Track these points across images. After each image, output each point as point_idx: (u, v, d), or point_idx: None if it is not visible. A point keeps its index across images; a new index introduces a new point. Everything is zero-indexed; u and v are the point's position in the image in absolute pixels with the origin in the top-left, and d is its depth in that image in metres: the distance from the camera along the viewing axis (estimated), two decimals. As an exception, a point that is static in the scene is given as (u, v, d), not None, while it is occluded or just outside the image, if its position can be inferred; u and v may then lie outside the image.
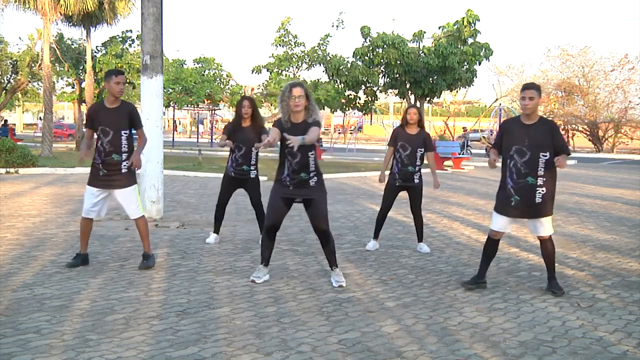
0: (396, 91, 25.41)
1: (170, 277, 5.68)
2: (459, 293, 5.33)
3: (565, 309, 4.92)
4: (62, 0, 22.08)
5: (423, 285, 5.57)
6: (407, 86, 24.50)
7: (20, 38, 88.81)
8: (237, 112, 7.11)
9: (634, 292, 5.45)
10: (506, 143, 5.27)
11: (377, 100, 27.28)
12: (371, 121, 62.01)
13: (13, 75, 31.07)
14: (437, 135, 28.26)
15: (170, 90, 27.26)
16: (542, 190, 5.16)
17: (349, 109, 27.52)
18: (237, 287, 5.35)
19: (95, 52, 28.27)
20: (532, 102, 5.14)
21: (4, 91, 31.17)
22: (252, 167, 7.09)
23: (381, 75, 24.76)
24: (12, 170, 15.95)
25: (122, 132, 5.79)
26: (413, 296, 5.21)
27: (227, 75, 29.12)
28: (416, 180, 6.92)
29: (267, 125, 6.48)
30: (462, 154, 25.36)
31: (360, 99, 25.96)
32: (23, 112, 67.18)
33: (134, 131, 5.93)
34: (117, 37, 29.04)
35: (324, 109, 27.60)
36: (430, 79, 23.87)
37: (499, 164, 5.41)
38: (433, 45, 23.98)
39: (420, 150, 6.87)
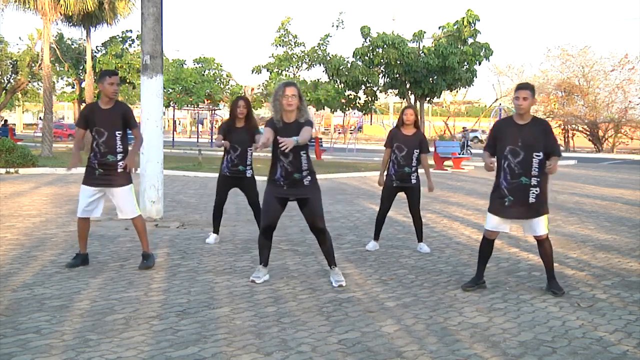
0: (396, 91, 25.44)
1: (170, 277, 5.68)
2: (459, 293, 5.32)
3: (565, 309, 4.92)
4: (62, 0, 22.09)
5: (423, 285, 5.57)
6: (407, 86, 24.52)
7: (20, 38, 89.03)
8: (232, 112, 7.10)
9: (634, 292, 5.45)
10: (500, 143, 5.25)
11: (377, 100, 27.31)
12: (371, 121, 62.05)
13: (13, 75, 31.11)
14: (437, 135, 28.26)
15: (170, 90, 27.27)
16: (536, 190, 5.16)
17: (349, 109, 27.55)
18: (237, 287, 5.35)
19: (95, 52, 28.28)
20: (525, 103, 5.13)
21: (4, 91, 31.19)
22: (247, 167, 7.10)
23: (381, 75, 24.79)
24: (12, 170, 15.96)
25: (117, 132, 5.79)
26: (413, 296, 5.21)
27: (227, 75, 29.13)
28: (413, 181, 6.91)
29: (261, 127, 6.48)
30: (462, 154, 25.36)
31: (360, 99, 25.97)
32: (23, 112, 67.21)
33: (130, 132, 5.94)
34: (117, 37, 29.06)
35: (324, 109, 27.62)
36: (430, 79, 23.89)
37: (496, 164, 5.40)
38: (433, 45, 24.01)
39: (417, 151, 6.86)
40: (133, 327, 4.28)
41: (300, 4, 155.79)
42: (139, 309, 4.67)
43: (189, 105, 30.15)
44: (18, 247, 6.79)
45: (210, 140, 39.88)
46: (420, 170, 6.98)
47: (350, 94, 25.52)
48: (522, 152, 5.13)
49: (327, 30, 53.20)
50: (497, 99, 39.64)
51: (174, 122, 46.03)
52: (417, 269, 6.22)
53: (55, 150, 23.22)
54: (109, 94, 5.74)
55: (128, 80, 28.16)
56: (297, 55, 24.75)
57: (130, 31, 29.14)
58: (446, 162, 21.63)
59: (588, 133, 41.69)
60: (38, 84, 32.26)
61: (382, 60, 23.73)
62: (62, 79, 31.57)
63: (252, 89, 25.88)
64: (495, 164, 5.32)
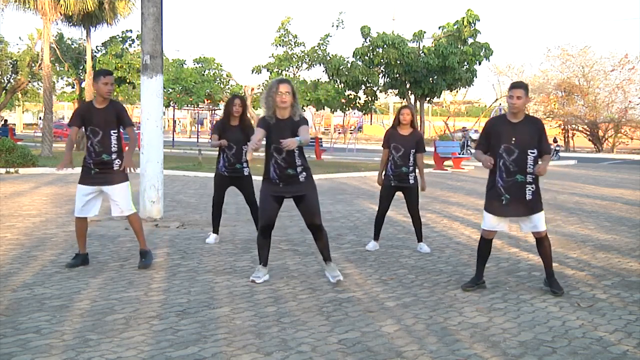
0: (396, 91, 25.44)
1: (170, 277, 5.68)
2: (459, 293, 5.32)
3: (565, 309, 4.92)
4: (62, 0, 22.08)
5: (423, 285, 5.57)
6: (407, 86, 24.52)
7: (20, 38, 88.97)
8: (227, 110, 7.12)
9: (634, 292, 5.45)
10: (494, 142, 5.27)
11: (377, 100, 27.32)
12: (371, 121, 62.05)
13: (13, 75, 31.10)
14: (436, 134, 28.26)
15: (170, 90, 27.25)
16: (532, 188, 5.19)
17: (349, 109, 27.56)
18: (237, 287, 5.35)
19: (95, 52, 28.27)
20: (519, 102, 5.16)
21: (4, 91, 31.18)
22: (244, 165, 7.12)
23: (381, 75, 24.78)
24: (12, 170, 15.96)
25: (111, 131, 5.82)
26: (413, 296, 5.21)
27: (227, 75, 29.10)
28: (411, 181, 6.92)
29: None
30: (462, 154, 25.37)
31: (360, 99, 25.97)
32: (23, 112, 67.18)
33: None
34: (117, 37, 29.04)
35: (324, 109, 27.62)
36: (430, 79, 23.89)
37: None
38: (433, 45, 24.00)
39: (414, 151, 6.88)
40: (133, 327, 4.28)
41: (300, 4, 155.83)
42: (139, 309, 4.68)
43: (189, 105, 30.14)
44: (18, 247, 6.79)
45: (210, 140, 39.85)
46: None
47: (350, 94, 25.52)
48: (516, 150, 5.15)
49: (327, 30, 53.19)
50: (497, 99, 39.60)
51: (174, 121, 46.04)
52: (417, 269, 6.22)
53: (55, 150, 23.20)
54: (103, 93, 5.77)
55: (128, 80, 28.14)
56: (297, 55, 24.74)
57: (130, 31, 29.12)
58: (446, 162, 21.63)
59: (588, 133, 41.70)
60: (38, 84, 32.24)
61: (382, 60, 23.73)
62: (62, 79, 31.56)
63: (252, 89, 25.83)
64: (491, 162, 5.31)
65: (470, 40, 23.85)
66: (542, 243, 5.37)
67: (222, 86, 28.56)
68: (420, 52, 24.08)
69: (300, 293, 5.22)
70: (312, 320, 4.50)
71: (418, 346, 4.04)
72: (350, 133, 41.79)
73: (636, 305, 5.06)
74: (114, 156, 5.82)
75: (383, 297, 5.17)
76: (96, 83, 5.78)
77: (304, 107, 25.44)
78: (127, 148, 5.91)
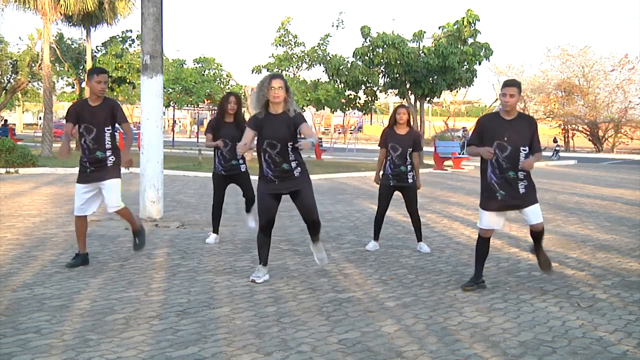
0: (396, 91, 25.41)
1: (170, 277, 5.68)
2: (459, 293, 5.32)
3: (565, 309, 4.92)
4: (62, 0, 22.07)
5: (423, 285, 5.57)
6: (407, 86, 24.49)
7: (20, 38, 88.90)
8: (222, 108, 7.13)
9: (634, 292, 5.45)
10: (487, 139, 5.28)
11: (377, 100, 27.28)
12: (371, 121, 62.03)
13: (13, 75, 31.08)
14: (436, 134, 28.24)
15: (170, 90, 27.25)
16: (524, 183, 5.25)
17: (349, 109, 27.53)
18: (237, 287, 5.35)
19: (95, 52, 28.25)
20: (512, 100, 5.19)
21: (4, 91, 31.17)
22: (240, 161, 7.12)
23: (381, 75, 24.75)
24: (12, 170, 15.95)
25: (105, 129, 5.85)
26: (413, 296, 5.21)
27: (227, 75, 29.11)
28: (410, 180, 6.93)
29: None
30: (462, 154, 25.37)
31: (360, 99, 25.95)
32: (23, 112, 67.17)
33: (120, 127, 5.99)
34: (117, 37, 29.01)
35: (324, 109, 27.61)
36: (430, 79, 23.86)
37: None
38: (433, 45, 23.97)
39: (411, 150, 6.89)
40: (133, 327, 4.28)
41: (300, 4, 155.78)
42: (139, 309, 4.68)
43: (189, 105, 30.15)
44: (18, 247, 6.79)
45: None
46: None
47: (350, 94, 25.50)
48: (509, 146, 5.19)
49: (327, 30, 53.20)
50: (497, 99, 39.59)
51: (174, 121, 46.04)
52: (417, 269, 6.22)
53: (55, 150, 23.19)
54: (97, 91, 5.81)
55: (128, 80, 28.13)
56: (297, 55, 24.72)
57: (130, 31, 29.10)
58: (446, 162, 21.62)
59: (588, 133, 41.72)
60: (38, 84, 32.23)
61: (382, 60, 23.71)
62: (62, 78, 31.52)
63: (252, 89, 25.84)
64: (491, 151, 5.25)
65: (470, 40, 23.82)
66: (535, 228, 5.37)
67: (222, 86, 28.56)
68: (420, 52, 24.06)
69: (300, 293, 5.22)
70: (312, 320, 4.50)
71: (418, 346, 4.04)
72: (350, 133, 41.80)
73: (636, 305, 5.06)
74: (108, 153, 5.86)
75: (383, 297, 5.17)
76: (90, 81, 5.83)
77: (304, 107, 25.41)
78: (124, 149, 5.95)
